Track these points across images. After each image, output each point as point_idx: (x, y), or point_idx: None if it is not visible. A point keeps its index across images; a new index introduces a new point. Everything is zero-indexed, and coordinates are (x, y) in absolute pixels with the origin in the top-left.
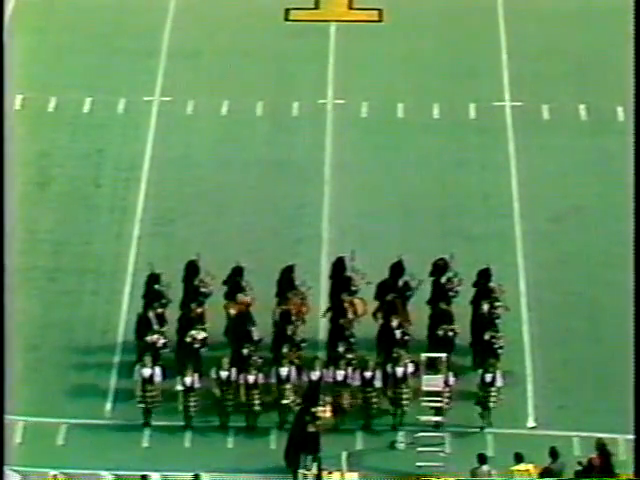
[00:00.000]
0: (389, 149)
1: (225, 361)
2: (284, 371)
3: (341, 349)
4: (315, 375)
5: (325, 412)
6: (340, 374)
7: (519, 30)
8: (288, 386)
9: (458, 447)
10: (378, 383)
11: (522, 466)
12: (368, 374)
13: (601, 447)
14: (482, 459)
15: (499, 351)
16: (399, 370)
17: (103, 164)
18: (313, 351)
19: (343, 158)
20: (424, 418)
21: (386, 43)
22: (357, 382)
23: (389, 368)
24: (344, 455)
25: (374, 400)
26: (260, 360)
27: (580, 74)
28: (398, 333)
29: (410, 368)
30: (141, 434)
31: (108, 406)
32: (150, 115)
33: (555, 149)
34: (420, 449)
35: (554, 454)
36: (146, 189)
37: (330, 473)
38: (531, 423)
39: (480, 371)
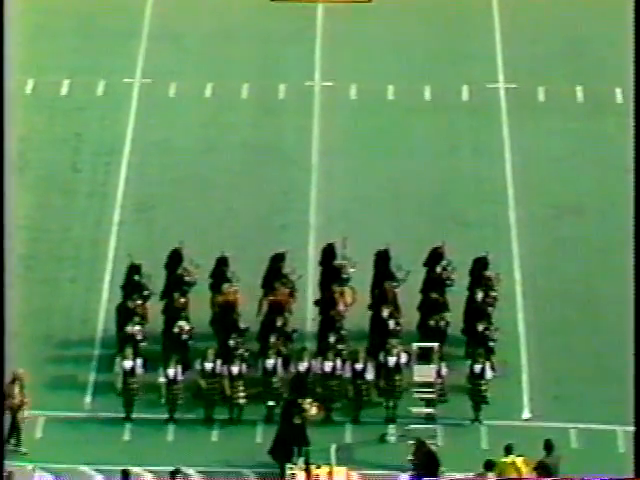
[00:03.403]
0: (379, 133)
1: (210, 352)
2: (270, 363)
3: (332, 340)
4: (303, 366)
5: (311, 406)
6: (328, 365)
7: (513, 9)
8: (275, 379)
9: (451, 440)
10: (369, 375)
11: (510, 458)
12: (359, 366)
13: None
14: (489, 465)
15: (491, 344)
16: (391, 360)
17: (82, 148)
18: (301, 342)
19: (331, 142)
20: (416, 410)
21: (375, 23)
22: (348, 374)
23: (381, 358)
24: (333, 449)
25: (364, 393)
26: (246, 352)
27: (577, 55)
28: (391, 323)
29: (403, 358)
30: (122, 427)
31: (88, 399)
32: (131, 98)
33: (551, 132)
34: (412, 442)
35: (549, 447)
36: (126, 174)
37: (318, 467)
38: (526, 415)
39: (469, 362)
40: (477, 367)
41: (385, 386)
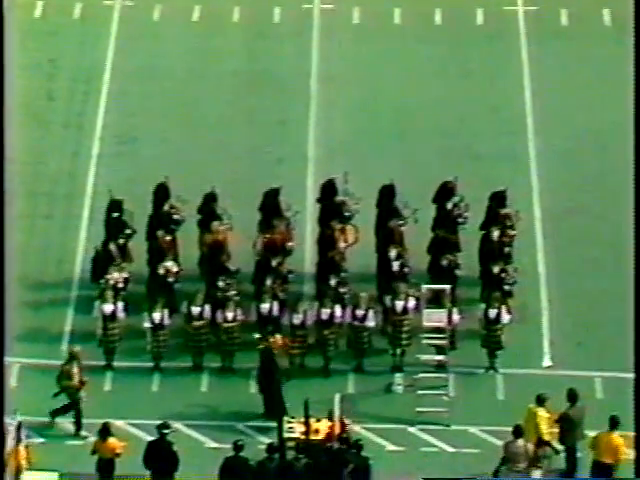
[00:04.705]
0: (383, 60)
1: (199, 297)
2: (266, 307)
3: (332, 283)
4: (298, 318)
5: (275, 339)
6: (325, 313)
7: None
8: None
9: (463, 390)
10: (371, 323)
11: (535, 407)
12: (360, 312)
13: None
14: (517, 432)
15: (507, 287)
16: (398, 304)
17: (57, 75)
18: (299, 285)
19: (331, 69)
20: (425, 357)
21: None
22: (348, 319)
23: (388, 302)
24: (337, 399)
25: (366, 340)
26: (237, 296)
27: None
28: (396, 265)
29: (411, 303)
30: (102, 377)
31: (65, 345)
32: (111, 21)
33: (574, 58)
34: (420, 392)
35: (573, 397)
36: (106, 103)
37: (318, 421)
38: (547, 362)
39: (483, 306)
40: (492, 312)
41: (391, 332)
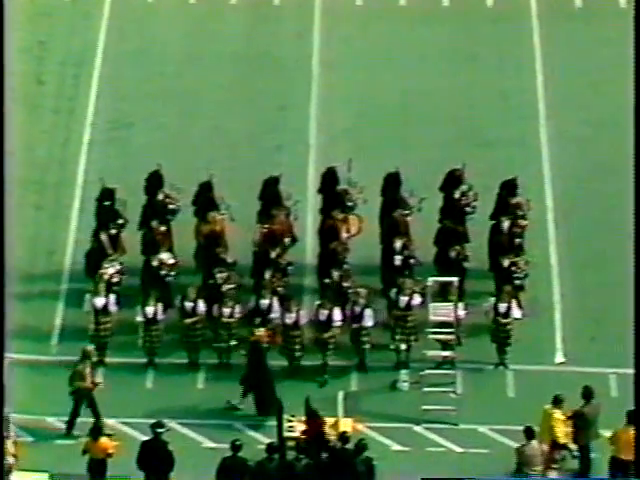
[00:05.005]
0: (388, 42)
1: (192, 291)
2: (265, 303)
3: (335, 276)
4: (290, 318)
5: (260, 332)
6: (323, 314)
7: None
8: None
9: (472, 387)
10: (369, 322)
11: (552, 409)
12: (357, 309)
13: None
14: (529, 433)
15: (518, 282)
16: (402, 300)
17: (47, 58)
18: (300, 278)
19: (333, 52)
20: (431, 353)
21: None
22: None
23: (393, 295)
24: (340, 397)
25: (365, 340)
26: (232, 290)
27: None
28: (398, 259)
29: (417, 300)
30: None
31: (54, 340)
32: (103, 1)
33: (589, 41)
34: (426, 390)
35: (588, 395)
36: (98, 87)
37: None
38: (559, 358)
39: (492, 300)
40: (502, 306)
41: (394, 327)
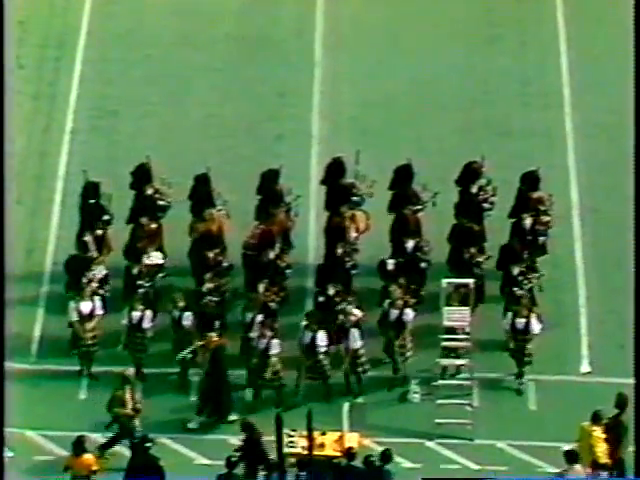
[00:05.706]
0: (398, 22)
1: (177, 296)
2: (249, 316)
3: (331, 292)
4: (262, 344)
5: (210, 337)
6: (308, 337)
7: None
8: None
9: (489, 399)
10: (356, 343)
11: (594, 427)
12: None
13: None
14: (572, 456)
15: (519, 292)
16: (393, 313)
17: (26, 40)
18: (301, 279)
19: (338, 34)
20: (445, 362)
21: None
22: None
23: (385, 306)
24: (345, 408)
25: (358, 362)
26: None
27: None
28: (390, 264)
29: (409, 315)
30: (77, 384)
31: (34, 348)
32: None
33: (617, 22)
34: (440, 402)
35: (622, 404)
36: (81, 72)
37: (324, 434)
38: (585, 368)
39: (509, 315)
40: (520, 322)
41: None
